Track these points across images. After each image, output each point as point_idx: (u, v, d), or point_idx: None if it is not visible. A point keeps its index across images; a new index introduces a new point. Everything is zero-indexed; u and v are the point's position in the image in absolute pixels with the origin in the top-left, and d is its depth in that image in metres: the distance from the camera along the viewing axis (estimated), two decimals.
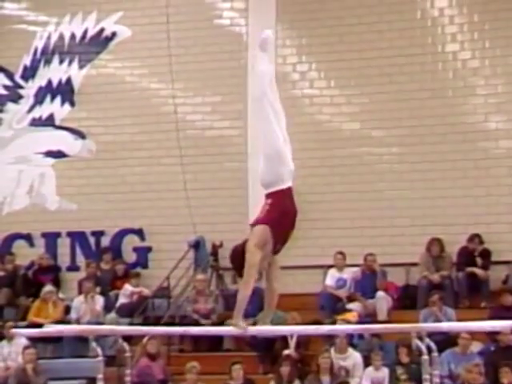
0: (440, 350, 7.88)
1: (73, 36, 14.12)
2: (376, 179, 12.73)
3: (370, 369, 10.60)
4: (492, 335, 10.42)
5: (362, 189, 12.67)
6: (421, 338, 6.88)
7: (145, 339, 11.00)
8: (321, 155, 12.90)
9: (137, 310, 12.23)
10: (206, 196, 13.12)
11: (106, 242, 13.58)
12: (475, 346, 10.63)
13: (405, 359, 10.36)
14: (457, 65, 12.78)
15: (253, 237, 6.02)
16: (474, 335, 10.49)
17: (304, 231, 12.81)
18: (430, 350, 6.77)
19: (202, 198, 13.06)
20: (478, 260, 11.90)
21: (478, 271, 11.81)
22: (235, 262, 6.17)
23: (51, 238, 13.71)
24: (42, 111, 14.13)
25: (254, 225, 6.10)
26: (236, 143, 13.33)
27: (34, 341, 11.57)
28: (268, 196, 6.14)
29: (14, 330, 10.55)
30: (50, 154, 13.97)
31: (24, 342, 11.56)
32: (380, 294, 11.71)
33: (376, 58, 12.84)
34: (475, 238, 11.98)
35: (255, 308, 11.96)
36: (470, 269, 11.82)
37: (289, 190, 6.16)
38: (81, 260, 13.59)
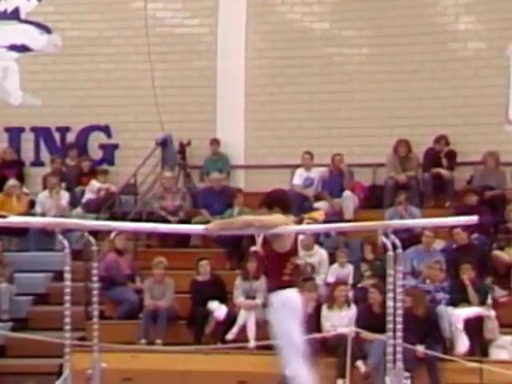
0: (404, 248, 8.02)
1: None
2: (345, 79, 12.68)
3: (335, 265, 10.77)
4: (453, 234, 10.61)
5: (331, 89, 12.61)
6: (386, 235, 6.97)
7: (112, 234, 11.03)
8: (290, 55, 12.79)
9: (103, 206, 12.20)
10: (174, 94, 13.00)
11: (71, 138, 13.45)
12: (438, 244, 10.83)
13: (369, 256, 10.54)
14: None
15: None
16: (437, 233, 10.70)
17: (272, 131, 12.85)
18: (395, 247, 6.86)
19: (170, 95, 12.93)
20: (444, 161, 12.02)
21: (444, 172, 11.96)
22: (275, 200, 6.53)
23: (15, 133, 13.53)
24: (7, 4, 13.77)
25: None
26: (206, 41, 13.15)
27: None
28: None
29: None
30: (13, 47, 13.67)
31: None
32: (347, 193, 11.82)
33: None
34: (441, 139, 12.08)
35: (222, 205, 12.13)
36: (435, 169, 11.95)
37: None
38: (45, 155, 13.46)
